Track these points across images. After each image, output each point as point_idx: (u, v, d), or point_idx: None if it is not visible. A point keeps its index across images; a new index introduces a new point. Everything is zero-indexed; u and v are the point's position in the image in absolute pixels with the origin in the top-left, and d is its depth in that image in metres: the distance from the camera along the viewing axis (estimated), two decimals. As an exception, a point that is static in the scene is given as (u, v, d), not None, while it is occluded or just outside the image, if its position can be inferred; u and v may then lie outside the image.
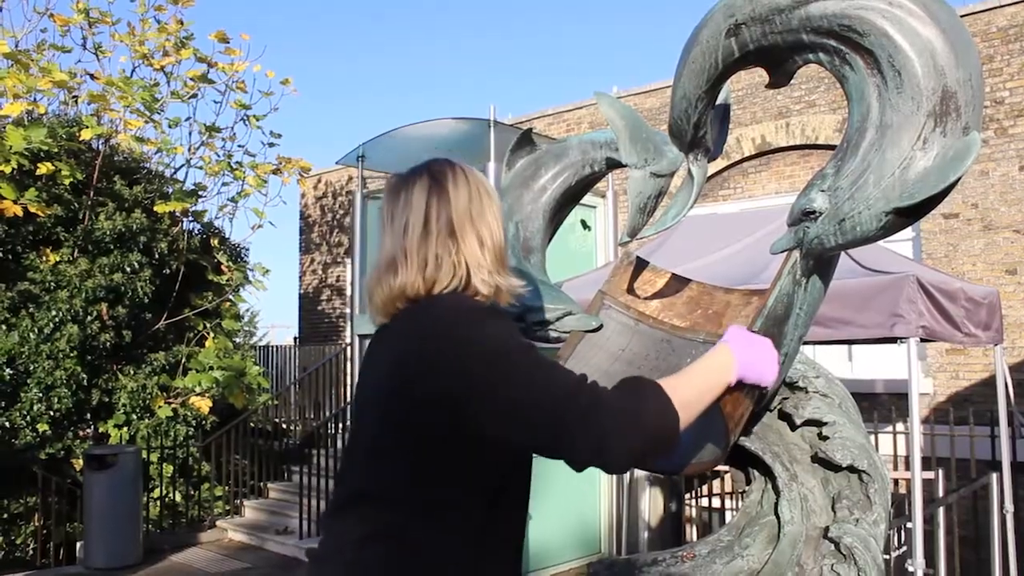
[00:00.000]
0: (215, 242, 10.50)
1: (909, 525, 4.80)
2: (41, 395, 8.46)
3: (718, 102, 1.82)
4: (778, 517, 1.88)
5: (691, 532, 7.73)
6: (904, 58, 1.42)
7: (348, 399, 10.51)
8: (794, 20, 1.51)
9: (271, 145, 11.33)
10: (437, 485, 1.37)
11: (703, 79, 1.69)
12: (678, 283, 2.13)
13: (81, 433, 9.05)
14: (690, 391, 1.37)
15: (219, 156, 10.73)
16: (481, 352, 1.33)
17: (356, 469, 1.46)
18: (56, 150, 8.70)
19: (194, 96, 10.54)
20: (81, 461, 8.29)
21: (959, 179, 1.39)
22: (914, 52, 1.41)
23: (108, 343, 9.01)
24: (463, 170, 1.53)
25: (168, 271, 9.74)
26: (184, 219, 10.31)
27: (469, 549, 1.37)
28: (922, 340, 4.74)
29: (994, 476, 5.75)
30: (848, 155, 1.50)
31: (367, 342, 1.62)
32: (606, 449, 1.26)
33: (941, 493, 5.85)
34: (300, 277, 15.72)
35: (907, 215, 1.45)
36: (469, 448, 1.36)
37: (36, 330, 8.51)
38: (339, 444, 9.51)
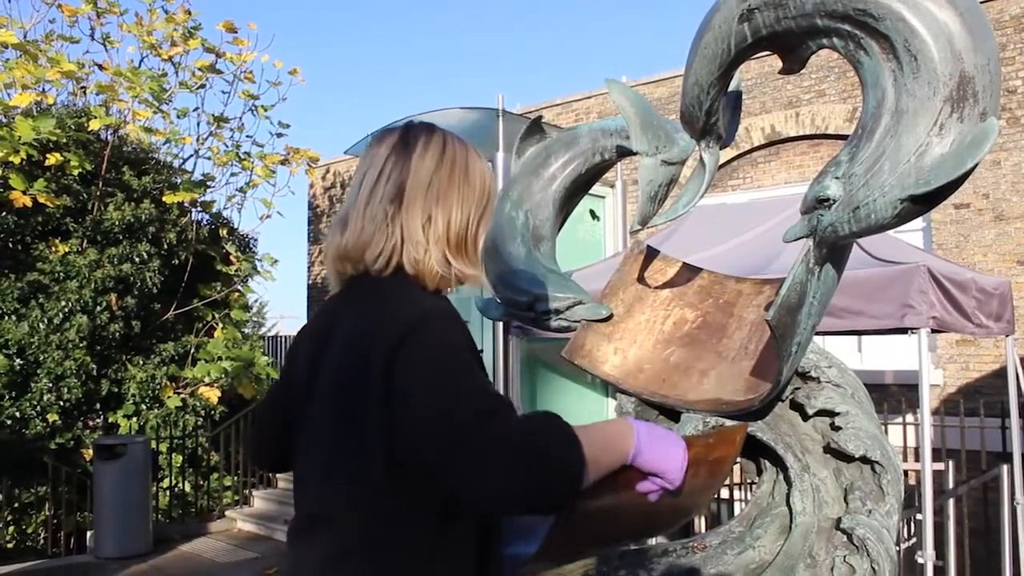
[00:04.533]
0: (224, 232, 10.52)
1: (919, 517, 4.78)
2: (51, 385, 8.50)
3: (730, 89, 1.80)
4: (790, 508, 1.87)
5: (700, 523, 7.73)
6: (920, 42, 1.39)
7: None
8: (808, 4, 1.49)
9: (279, 135, 11.32)
10: (392, 503, 1.25)
11: (715, 65, 1.66)
12: (689, 272, 2.12)
13: (91, 423, 9.09)
14: (594, 446, 1.21)
15: (227, 146, 10.75)
16: (423, 356, 1.21)
17: (312, 485, 1.36)
18: (65, 140, 8.71)
19: (202, 86, 10.55)
20: (91, 451, 8.33)
21: (976, 165, 1.37)
22: (931, 36, 1.39)
23: (117, 333, 9.03)
24: (444, 141, 1.40)
25: (177, 261, 9.75)
26: (193, 209, 10.33)
27: (433, 565, 1.27)
28: (933, 331, 4.71)
29: (1005, 468, 5.73)
30: (863, 141, 1.47)
31: None
32: (482, 470, 1.12)
33: (951, 485, 5.82)
34: (309, 267, 15.74)
35: (923, 202, 1.43)
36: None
37: (46, 320, 8.54)
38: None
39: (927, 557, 4.59)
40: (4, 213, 8.60)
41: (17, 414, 8.34)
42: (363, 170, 1.39)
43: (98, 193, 9.28)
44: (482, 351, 1.52)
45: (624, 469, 1.29)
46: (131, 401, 9.12)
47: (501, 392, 1.22)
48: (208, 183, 10.54)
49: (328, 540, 1.28)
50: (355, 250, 1.35)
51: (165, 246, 9.55)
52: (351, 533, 1.27)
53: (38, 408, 8.42)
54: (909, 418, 7.64)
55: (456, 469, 1.14)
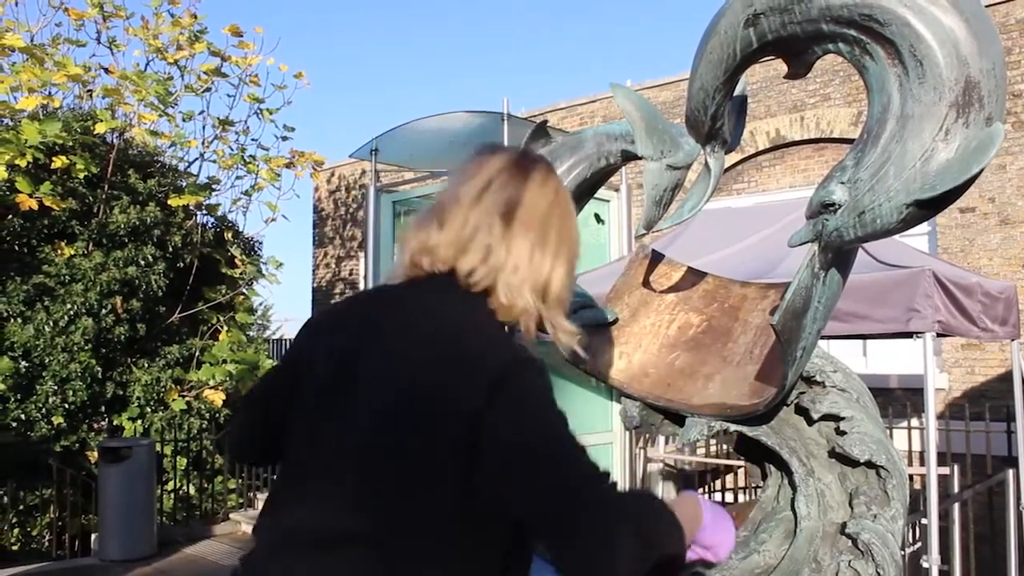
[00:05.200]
0: (229, 235, 10.54)
1: (924, 521, 4.77)
2: (56, 388, 8.52)
3: (735, 93, 1.80)
4: (795, 513, 1.87)
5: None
6: (926, 48, 1.39)
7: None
8: (814, 9, 1.49)
9: (284, 139, 11.36)
10: (445, 533, 1.19)
11: (721, 70, 1.67)
12: (694, 276, 2.13)
13: (95, 426, 9.10)
14: (686, 527, 1.25)
15: (232, 150, 10.78)
16: (526, 414, 1.17)
17: (338, 497, 1.23)
18: (71, 144, 8.74)
19: (208, 90, 10.58)
20: (96, 454, 8.33)
21: (982, 171, 1.37)
22: (936, 41, 1.39)
23: (122, 336, 9.05)
24: (560, 182, 1.36)
25: (182, 264, 9.77)
26: (198, 213, 10.35)
27: None
28: (938, 335, 4.70)
29: (1010, 472, 5.72)
30: (868, 146, 1.47)
31: None
32: (603, 550, 1.10)
33: (956, 489, 5.81)
34: (313, 271, 15.76)
35: (928, 207, 1.43)
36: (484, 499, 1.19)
37: (51, 323, 8.56)
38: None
39: (932, 562, 4.58)
40: (10, 216, 8.63)
41: (22, 416, 8.36)
42: (468, 174, 1.32)
43: (103, 196, 9.30)
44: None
45: None
46: (136, 404, 9.14)
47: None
48: (213, 186, 10.57)
49: (366, 567, 1.19)
50: (449, 250, 1.27)
51: (170, 249, 9.57)
52: (398, 561, 1.19)
53: (43, 411, 8.44)
54: (914, 422, 7.62)
55: (578, 544, 1.12)
